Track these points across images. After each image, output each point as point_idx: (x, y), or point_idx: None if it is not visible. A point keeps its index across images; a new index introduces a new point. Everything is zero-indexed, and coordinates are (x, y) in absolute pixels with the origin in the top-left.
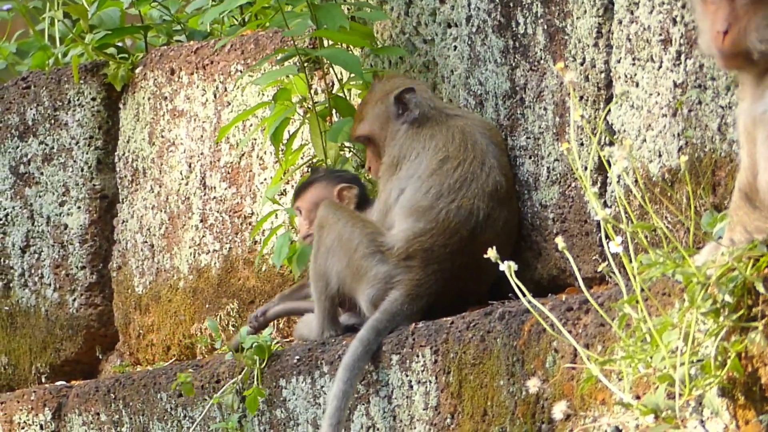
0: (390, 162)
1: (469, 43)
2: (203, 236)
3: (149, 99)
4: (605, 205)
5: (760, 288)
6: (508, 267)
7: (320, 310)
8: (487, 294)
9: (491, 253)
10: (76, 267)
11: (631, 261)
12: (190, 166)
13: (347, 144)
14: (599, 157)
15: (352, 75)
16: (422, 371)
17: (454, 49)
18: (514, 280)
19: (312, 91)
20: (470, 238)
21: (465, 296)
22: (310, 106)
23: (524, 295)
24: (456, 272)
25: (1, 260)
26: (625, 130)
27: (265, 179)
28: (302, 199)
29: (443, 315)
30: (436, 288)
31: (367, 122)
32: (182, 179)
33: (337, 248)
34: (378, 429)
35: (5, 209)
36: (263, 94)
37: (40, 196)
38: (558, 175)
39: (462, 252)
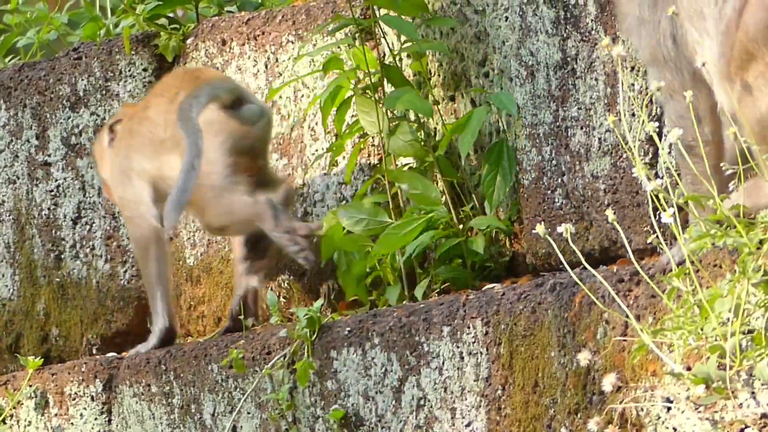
0: None
1: (521, 13)
2: None
3: None
4: (656, 176)
5: None
6: (565, 229)
7: None
8: None
9: (539, 229)
10: (128, 238)
11: (681, 232)
12: None
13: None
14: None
15: (405, 44)
16: (473, 342)
17: (506, 20)
18: (557, 252)
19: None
20: None
21: None
22: (361, 76)
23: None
24: None
25: (53, 231)
26: None
27: (317, 150)
28: None
29: None
30: None
31: None
32: None
33: None
34: (429, 400)
35: (57, 180)
36: (314, 65)
37: (91, 168)
38: (609, 146)
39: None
